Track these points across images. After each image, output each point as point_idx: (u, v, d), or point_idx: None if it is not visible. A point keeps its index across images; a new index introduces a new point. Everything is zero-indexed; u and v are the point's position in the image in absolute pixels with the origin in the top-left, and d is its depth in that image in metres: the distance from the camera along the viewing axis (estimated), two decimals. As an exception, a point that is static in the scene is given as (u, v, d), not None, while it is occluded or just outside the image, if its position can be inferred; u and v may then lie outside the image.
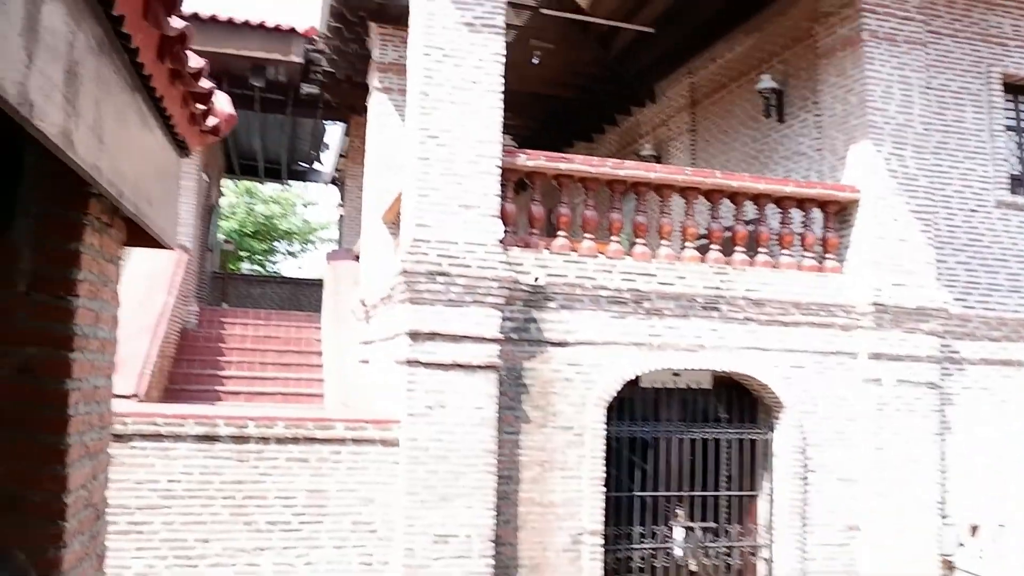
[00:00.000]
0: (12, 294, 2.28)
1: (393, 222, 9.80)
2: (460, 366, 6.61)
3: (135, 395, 8.49)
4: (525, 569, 6.68)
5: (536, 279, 7.00)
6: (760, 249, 7.76)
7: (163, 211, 2.77)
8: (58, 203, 2.34)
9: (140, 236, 2.90)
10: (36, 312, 2.29)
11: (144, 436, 6.02)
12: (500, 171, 6.99)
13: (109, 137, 1.95)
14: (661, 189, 7.63)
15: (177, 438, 6.08)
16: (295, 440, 6.32)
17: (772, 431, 7.60)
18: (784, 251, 7.84)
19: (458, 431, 6.53)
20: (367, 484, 6.43)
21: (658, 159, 12.48)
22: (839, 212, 8.03)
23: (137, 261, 11.44)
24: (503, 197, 7.13)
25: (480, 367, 6.65)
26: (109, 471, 2.79)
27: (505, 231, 7.05)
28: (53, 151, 1.57)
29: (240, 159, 18.43)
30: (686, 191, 7.68)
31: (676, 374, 7.62)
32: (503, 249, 6.88)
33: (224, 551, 6.09)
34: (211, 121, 2.90)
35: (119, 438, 5.96)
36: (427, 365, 6.57)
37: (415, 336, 6.57)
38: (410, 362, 6.55)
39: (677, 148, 12.36)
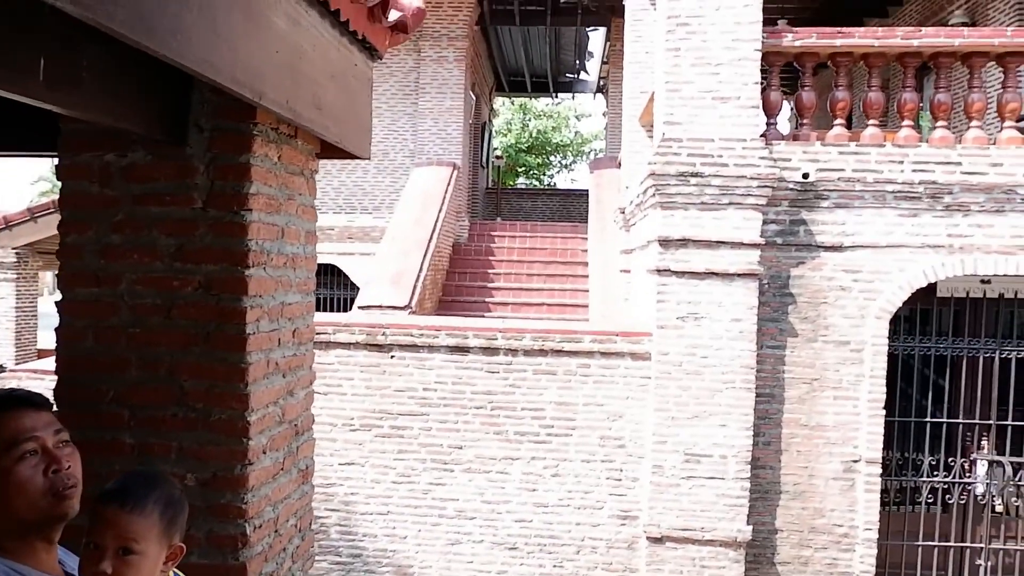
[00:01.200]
0: (191, 211, 2.25)
1: (649, 124, 9.25)
2: (715, 274, 6.06)
3: (408, 307, 9.01)
4: (787, 495, 6.12)
5: (805, 175, 6.14)
6: (1109, 124, 6.13)
7: (343, 117, 2.61)
8: (229, 116, 2.25)
9: (337, 148, 2.79)
10: (213, 228, 2.25)
11: (403, 346, 6.30)
12: (761, 56, 6.15)
13: (228, 31, 1.77)
14: (971, 58, 6.26)
15: (432, 348, 6.28)
16: (543, 352, 6.25)
17: (1117, 352, 6.13)
18: None
19: (713, 344, 6.04)
20: (616, 399, 6.22)
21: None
22: None
23: (413, 181, 12.09)
24: (768, 85, 6.30)
25: (738, 275, 6.04)
26: (313, 386, 2.78)
27: (769, 124, 6.24)
28: (127, 42, 1.39)
29: (508, 76, 18.66)
30: (1005, 58, 6.22)
31: (985, 282, 6.38)
32: (765, 144, 6.10)
33: (476, 458, 6.27)
34: (393, 15, 2.66)
35: (380, 348, 6.30)
36: (679, 274, 6.11)
37: (666, 243, 6.11)
38: (660, 271, 6.13)
39: (999, 11, 10.20)
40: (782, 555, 6.12)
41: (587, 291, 10.94)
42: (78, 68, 1.76)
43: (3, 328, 10.93)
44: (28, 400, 1.56)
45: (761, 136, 6.12)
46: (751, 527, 5.97)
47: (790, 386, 6.12)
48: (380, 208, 12.82)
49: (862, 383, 6.08)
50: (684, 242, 6.09)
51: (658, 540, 6.02)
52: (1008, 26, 9.62)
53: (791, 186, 6.15)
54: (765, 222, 6.12)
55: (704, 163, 6.05)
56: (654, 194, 6.19)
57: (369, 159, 2.96)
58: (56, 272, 2.37)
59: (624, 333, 6.29)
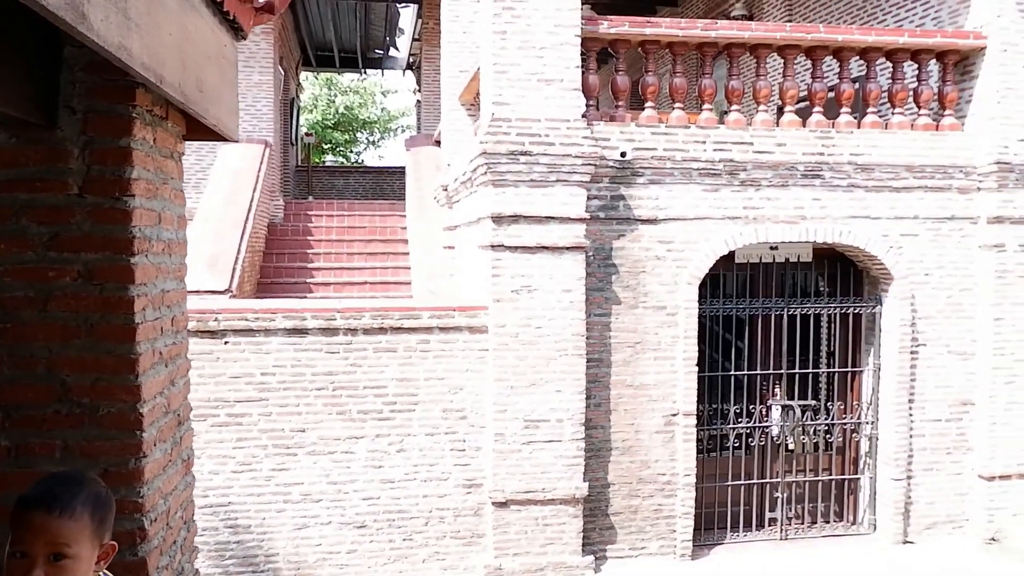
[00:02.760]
0: (66, 197, 2.14)
1: (471, 103, 9.45)
2: (546, 248, 6.39)
3: (228, 291, 8.67)
4: (617, 451, 6.63)
5: (623, 153, 6.60)
6: (868, 109, 7.09)
7: (219, 99, 2.56)
8: (104, 97, 2.15)
9: (200, 128, 2.72)
10: (92, 215, 2.15)
11: (237, 331, 6.10)
12: (580, 41, 6.50)
13: (138, 14, 1.72)
14: (757, 49, 6.98)
15: (268, 332, 6.14)
16: (382, 330, 6.31)
17: (879, 304, 7.17)
18: (895, 110, 7.14)
19: (546, 315, 6.38)
20: (456, 372, 6.41)
21: (750, 19, 11.52)
22: (960, 63, 7.21)
23: (222, 159, 11.52)
24: (585, 69, 6.67)
25: (567, 248, 6.41)
26: (190, 375, 2.72)
27: (588, 105, 6.63)
28: (60, 26, 1.34)
29: (316, 51, 18.13)
30: (785, 50, 7.00)
31: (774, 248, 7.19)
32: (587, 124, 6.49)
33: (320, 440, 6.24)
34: (261, -4, 2.63)
35: (213, 334, 6.07)
36: (512, 249, 6.37)
37: (499, 219, 6.35)
38: (494, 246, 6.36)
39: (772, 5, 11.36)
40: (615, 506, 6.64)
41: (409, 268, 11.03)
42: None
43: None
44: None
45: (583, 117, 6.49)
46: (587, 483, 6.42)
47: (616, 350, 6.61)
48: (186, 188, 12.10)
49: (677, 344, 6.68)
50: (516, 218, 6.36)
51: (503, 504, 6.31)
52: (780, 20, 10.77)
53: (611, 164, 6.59)
54: (589, 198, 6.52)
55: (532, 142, 6.33)
56: (485, 172, 6.40)
57: (238, 140, 2.91)
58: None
59: (461, 308, 6.49)
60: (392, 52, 18.88)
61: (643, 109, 6.81)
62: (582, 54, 6.59)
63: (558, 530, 6.37)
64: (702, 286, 6.81)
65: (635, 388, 6.65)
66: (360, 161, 30.67)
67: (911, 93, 7.26)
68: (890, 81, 7.24)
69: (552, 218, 6.38)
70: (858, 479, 7.39)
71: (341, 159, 30.01)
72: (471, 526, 6.46)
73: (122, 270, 2.17)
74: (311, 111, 28.03)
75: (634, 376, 6.65)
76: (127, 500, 2.18)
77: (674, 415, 6.70)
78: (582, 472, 6.42)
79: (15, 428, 2.15)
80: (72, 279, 2.15)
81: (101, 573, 1.59)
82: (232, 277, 8.94)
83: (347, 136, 29.72)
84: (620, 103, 6.84)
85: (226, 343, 6.11)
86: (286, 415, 6.21)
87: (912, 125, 7.07)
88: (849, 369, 7.37)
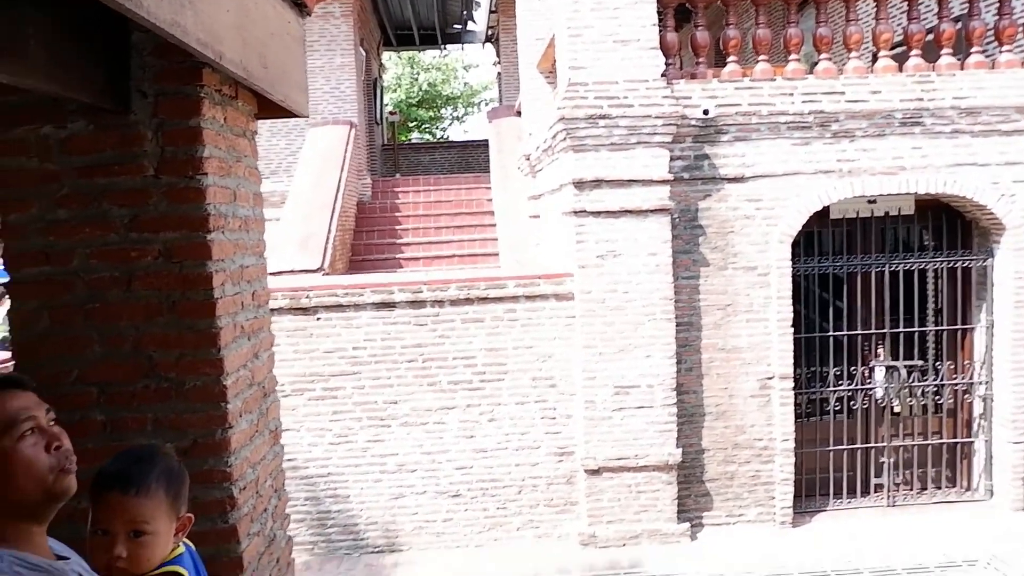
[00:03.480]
0: (143, 179, 2.21)
1: (549, 70, 9.33)
2: (630, 212, 6.27)
3: (320, 269, 8.89)
4: (711, 416, 6.49)
5: (705, 111, 6.39)
6: (972, 49, 6.61)
7: (285, 76, 2.58)
8: (172, 79, 2.20)
9: (271, 107, 2.76)
10: (168, 195, 2.21)
11: (328, 307, 6.26)
12: (657, -2, 6.30)
13: (192, -8, 1.73)
14: (846, -8, 6.60)
15: (357, 307, 6.27)
16: (468, 301, 6.34)
17: (991, 257, 6.72)
18: (1003, 48, 6.62)
19: (633, 280, 6.27)
20: (544, 340, 6.39)
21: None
22: (1076, -11, 6.63)
23: (310, 142, 11.79)
24: (663, 27, 6.47)
25: (651, 211, 6.27)
26: (273, 348, 2.79)
27: (668, 64, 6.43)
28: (110, 5, 1.36)
29: (395, 30, 18.26)
30: (878, -10, 6.59)
31: (872, 202, 6.84)
32: (667, 83, 6.29)
33: (412, 411, 6.35)
34: (321, -31, 2.63)
35: (305, 311, 6.24)
36: (595, 214, 6.28)
37: (580, 185, 6.26)
38: (577, 212, 6.28)
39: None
40: (710, 472, 6.52)
41: (496, 239, 11.05)
42: (24, 36, 1.70)
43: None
44: (16, 381, 1.54)
45: (662, 76, 6.30)
46: (680, 449, 6.32)
47: (706, 313, 6.44)
48: (278, 172, 12.47)
49: (770, 305, 6.46)
50: (598, 183, 6.25)
51: (595, 472, 6.29)
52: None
53: (693, 123, 6.38)
54: (672, 158, 6.35)
55: (611, 105, 6.19)
56: (565, 138, 6.31)
57: (308, 116, 2.94)
58: (0, 255, 2.28)
59: (547, 276, 6.45)
60: (470, 25, 18.84)
61: (725, 65, 6.56)
62: (659, 12, 6.38)
63: (652, 497, 6.30)
64: (795, 244, 6.54)
65: (727, 351, 6.48)
66: (445, 137, 30.90)
67: (1021, 28, 6.72)
68: (996, 17, 6.71)
69: (634, 181, 6.25)
70: (972, 443, 7.00)
71: (427, 136, 30.31)
72: (564, 494, 6.47)
73: (199, 247, 2.22)
74: (395, 90, 28.38)
75: (726, 339, 6.48)
76: (216, 470, 2.26)
77: (769, 378, 6.49)
78: (675, 438, 6.32)
79: (109, 404, 2.25)
80: (153, 258, 2.23)
81: (181, 543, 1.63)
82: (323, 256, 9.16)
83: (431, 113, 29.96)
84: (701, 60, 6.60)
85: (318, 319, 6.27)
86: (378, 388, 6.34)
87: (1023, 63, 6.55)
88: (959, 327, 6.96)
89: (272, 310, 6.22)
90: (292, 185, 10.85)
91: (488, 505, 6.44)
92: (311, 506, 6.33)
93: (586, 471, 6.30)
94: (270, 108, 2.77)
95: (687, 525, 6.38)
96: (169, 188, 2.21)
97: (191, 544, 1.68)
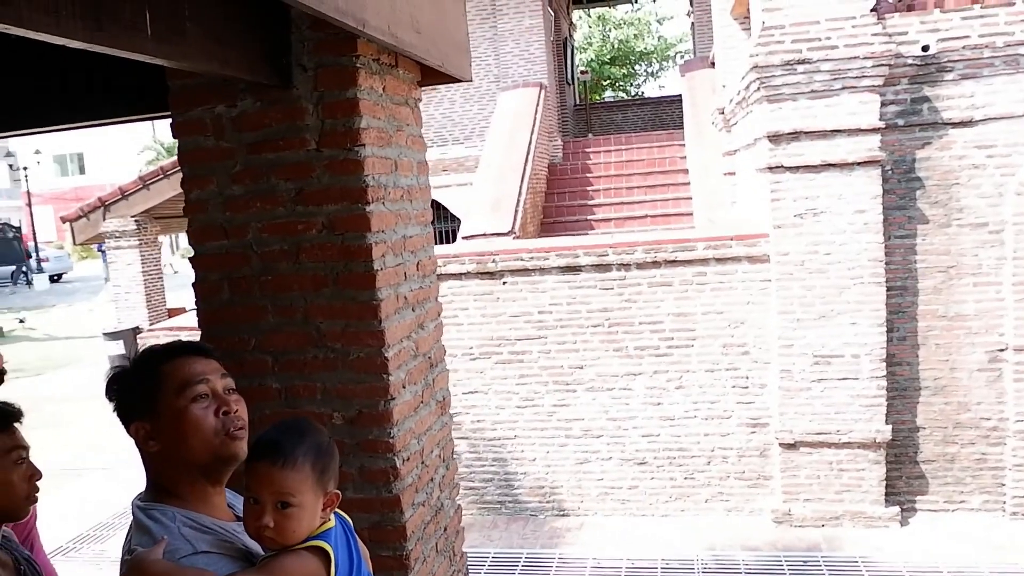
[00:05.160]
0: (306, 153, 2.23)
1: (743, 15, 8.73)
2: (833, 165, 5.72)
3: (511, 232, 8.97)
4: (927, 391, 5.85)
5: (925, 47, 5.66)
6: None
7: (441, 39, 2.51)
8: (330, 51, 2.20)
9: (435, 73, 2.71)
10: (329, 168, 2.22)
11: (514, 271, 6.28)
12: (866, -80, 5.62)
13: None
14: None
15: (543, 271, 6.24)
16: (656, 264, 6.11)
17: None
18: None
19: (836, 240, 5.74)
20: (736, 304, 6.04)
21: None
22: None
23: (500, 106, 11.90)
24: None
25: (858, 164, 5.68)
26: (441, 317, 2.77)
27: (879, -3, 5.76)
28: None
29: (585, -15, 17.96)
30: None
31: None
32: (877, 19, 5.63)
33: (598, 376, 6.25)
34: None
35: (492, 275, 6.30)
36: (793, 169, 5.80)
37: (776, 138, 5.80)
38: (772, 168, 5.83)
39: None
40: (926, 453, 5.90)
41: (690, 198, 10.62)
42: (181, 19, 1.73)
43: (134, 292, 11.56)
44: (198, 348, 1.60)
45: (872, 11, 5.65)
46: (890, 427, 5.76)
47: (924, 276, 5.78)
48: (471, 137, 12.73)
49: (1004, 266, 5.67)
50: (796, 135, 5.76)
51: (791, 446, 5.89)
52: None
53: (910, 61, 5.69)
54: (883, 104, 5.71)
55: (811, 48, 5.65)
56: (759, 88, 5.85)
57: (471, 81, 2.87)
58: (186, 231, 2.41)
59: (739, 237, 6.07)
60: (665, -26, 18.08)
61: (952, -10, 5.76)
62: (869, -63, 5.70)
63: (856, 476, 5.81)
64: (1036, 196, 5.68)
65: (949, 319, 5.79)
66: (639, 94, 30.17)
67: None
68: None
69: (838, 131, 5.68)
70: None
71: (620, 94, 29.75)
72: (756, 467, 6.13)
73: (359, 219, 2.22)
74: (585, 50, 28.04)
75: (947, 305, 5.78)
76: (379, 440, 2.27)
77: (1001, 350, 5.73)
78: (884, 414, 5.76)
79: (282, 371, 2.33)
80: (317, 231, 2.25)
81: (334, 517, 1.61)
82: (514, 219, 9.23)
83: (624, 70, 29.33)
84: (921, -12, 5.84)
85: (504, 283, 6.32)
86: (564, 352, 6.30)
87: None
88: None
89: (459, 275, 6.37)
90: (484, 149, 11.02)
91: (675, 475, 6.25)
92: (498, 467, 6.46)
93: (781, 445, 5.92)
94: (435, 74, 2.72)
95: (896, 509, 5.82)
96: (330, 161, 2.21)
97: (346, 517, 1.67)
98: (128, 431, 1.52)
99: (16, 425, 1.45)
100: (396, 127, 2.44)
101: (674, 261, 6.11)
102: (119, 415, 1.53)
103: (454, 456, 2.81)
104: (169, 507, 1.47)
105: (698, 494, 6.24)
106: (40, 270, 28.50)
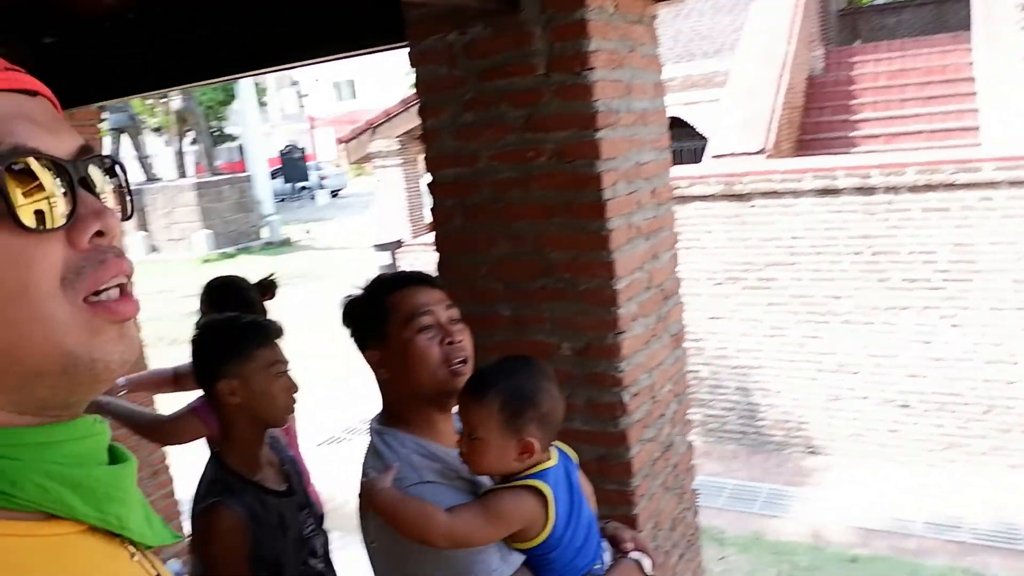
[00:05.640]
0: (534, 79, 2.17)
1: None
2: None
3: (762, 151, 8.41)
4: None
5: None
6: None
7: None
8: (558, -32, 2.09)
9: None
10: (558, 93, 2.15)
11: (763, 194, 5.89)
12: None
13: None
14: None
15: (796, 194, 5.78)
16: (930, 187, 5.41)
17: None
18: None
19: None
20: (1031, 234, 5.21)
21: None
22: None
23: (754, 16, 11.05)
24: None
25: None
26: (677, 247, 2.64)
27: None
28: None
29: None
30: None
31: None
32: None
33: (856, 308, 5.73)
34: None
35: (739, 197, 5.96)
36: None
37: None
38: (1090, 71, 4.86)
39: None
40: None
41: (975, 111, 9.25)
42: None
43: (399, 208, 12.46)
44: (424, 278, 1.63)
45: None
46: None
47: None
48: (721, 51, 12.00)
49: None
50: None
51: (1094, 397, 5.07)
52: None
53: None
54: None
55: None
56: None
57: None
58: (424, 158, 2.47)
59: (1038, 155, 5.18)
60: None
61: None
62: None
63: None
64: None
65: None
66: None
67: None
68: None
69: None
70: None
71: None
72: (1048, 420, 5.35)
73: (588, 146, 2.14)
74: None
75: None
76: (606, 374, 2.23)
77: None
78: None
79: (512, 300, 2.35)
80: (547, 159, 2.20)
81: (556, 453, 1.58)
82: (766, 137, 8.63)
83: (906, -37, 25.90)
84: None
85: (753, 206, 5.95)
86: (817, 281, 5.85)
87: None
88: None
89: (705, 196, 6.10)
90: (735, 63, 10.35)
91: (944, 422, 5.63)
92: (741, 396, 6.22)
93: (1083, 397, 5.10)
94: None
95: None
96: (559, 86, 2.14)
97: (570, 454, 1.63)
98: (363, 357, 1.59)
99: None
100: (629, 48, 2.30)
101: (953, 184, 5.37)
102: (355, 341, 1.61)
103: (687, 392, 2.70)
104: (401, 432, 1.52)
105: (971, 445, 5.58)
106: (321, 186, 31.54)
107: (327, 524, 2.12)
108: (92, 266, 0.54)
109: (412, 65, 2.38)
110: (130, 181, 0.64)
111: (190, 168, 21.14)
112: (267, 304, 2.74)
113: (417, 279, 1.62)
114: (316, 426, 7.06)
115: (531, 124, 2.20)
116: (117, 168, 0.61)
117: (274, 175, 28.13)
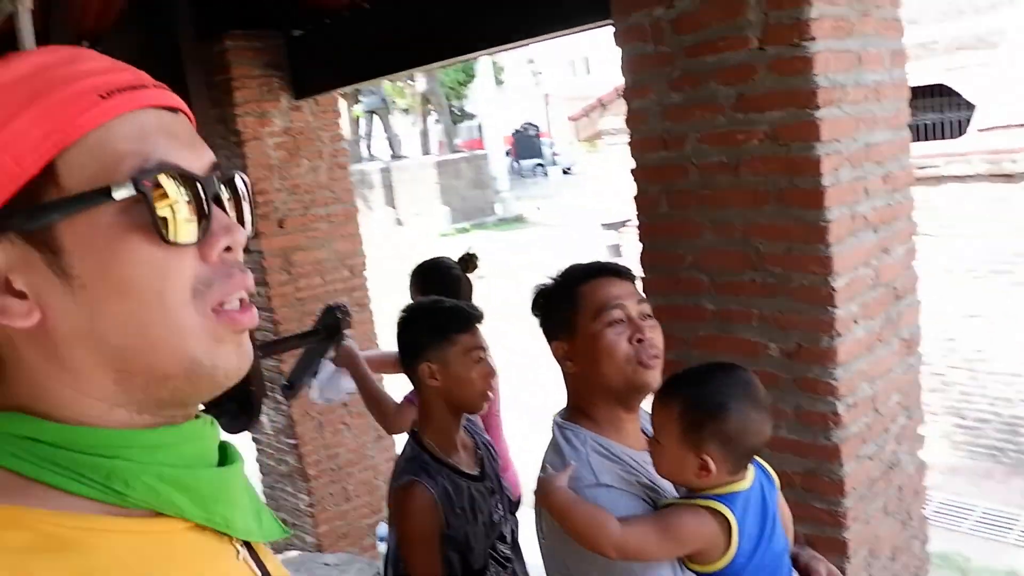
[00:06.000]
0: (747, 53, 1.98)
1: None
2: None
3: (1044, 123, 7.27)
4: None
5: None
6: None
7: None
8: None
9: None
10: (773, 68, 1.95)
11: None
12: None
13: None
14: None
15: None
16: None
17: None
18: None
19: None
20: None
21: None
22: None
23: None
24: None
25: None
26: (914, 240, 2.32)
27: None
28: None
29: None
30: None
31: None
32: None
33: None
34: None
35: (1008, 177, 5.20)
36: None
37: None
38: None
39: None
40: None
41: None
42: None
43: (625, 187, 12.34)
44: (616, 269, 1.55)
45: None
46: None
47: None
48: (997, 6, 10.50)
49: None
50: None
51: None
52: None
53: None
54: None
55: None
56: None
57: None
58: (628, 142, 2.36)
59: None
60: None
61: None
62: None
63: None
64: None
65: None
66: None
67: None
68: None
69: None
70: None
71: None
72: None
73: (806, 127, 1.92)
74: None
75: None
76: (820, 381, 2.01)
77: None
78: None
79: (717, 293, 2.19)
80: (759, 141, 2.01)
81: (756, 472, 1.43)
82: (1049, 107, 7.45)
83: None
84: None
85: (1024, 189, 5.17)
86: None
87: None
88: None
89: (963, 177, 5.39)
90: (1012, 20, 9.02)
91: None
92: (1001, 407, 5.47)
93: None
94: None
95: None
96: (774, 60, 1.93)
97: (771, 473, 1.46)
98: (550, 348, 1.55)
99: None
100: (861, 11, 2.03)
101: None
102: (543, 331, 1.56)
103: (920, 404, 2.38)
104: (582, 429, 1.47)
105: None
106: (554, 163, 32.09)
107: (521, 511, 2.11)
108: (220, 279, 0.56)
109: (617, 44, 2.27)
110: (251, 192, 0.64)
111: (433, 147, 22.40)
112: (473, 279, 2.74)
113: (609, 270, 1.54)
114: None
115: (743, 103, 2.01)
116: (240, 182, 0.62)
117: (508, 153, 29.01)
